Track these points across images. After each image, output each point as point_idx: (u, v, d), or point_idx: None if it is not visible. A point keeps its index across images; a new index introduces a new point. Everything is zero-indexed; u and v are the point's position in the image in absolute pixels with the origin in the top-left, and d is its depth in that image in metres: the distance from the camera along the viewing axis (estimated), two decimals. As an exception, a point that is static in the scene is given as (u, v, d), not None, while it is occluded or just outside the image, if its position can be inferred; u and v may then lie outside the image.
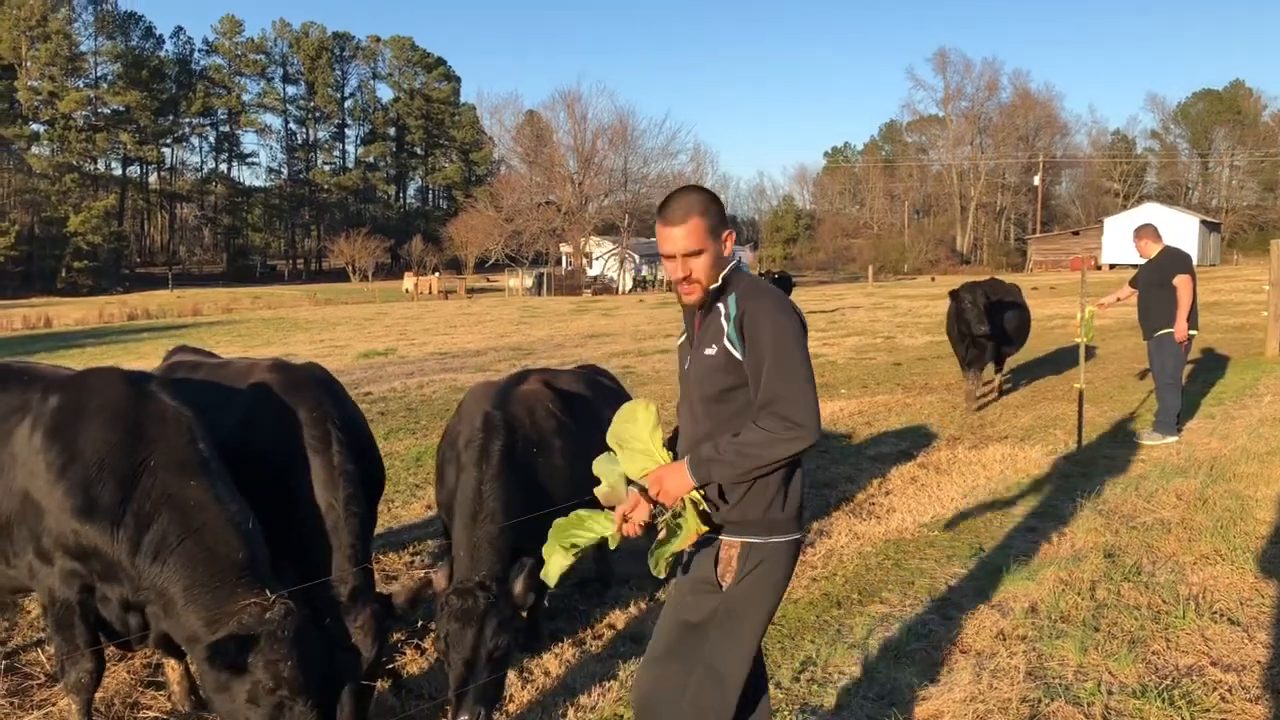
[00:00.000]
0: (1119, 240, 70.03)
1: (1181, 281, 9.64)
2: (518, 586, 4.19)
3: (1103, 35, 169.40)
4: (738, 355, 2.97)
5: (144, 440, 3.93)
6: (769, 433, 2.86)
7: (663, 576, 3.07)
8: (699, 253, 3.04)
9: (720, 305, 3.07)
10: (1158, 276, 9.84)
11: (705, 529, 2.98)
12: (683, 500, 2.97)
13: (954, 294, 12.14)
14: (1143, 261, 10.17)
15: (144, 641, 4.04)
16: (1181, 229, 64.52)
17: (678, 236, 3.04)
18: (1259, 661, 4.62)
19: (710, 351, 3.05)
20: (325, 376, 5.03)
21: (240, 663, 3.51)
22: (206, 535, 3.76)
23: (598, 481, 3.15)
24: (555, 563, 3.09)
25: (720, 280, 3.09)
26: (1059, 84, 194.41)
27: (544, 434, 5.02)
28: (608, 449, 3.14)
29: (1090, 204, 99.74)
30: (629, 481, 3.09)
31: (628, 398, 6.21)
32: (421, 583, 4.23)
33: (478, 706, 3.96)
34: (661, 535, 3.01)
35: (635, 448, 3.07)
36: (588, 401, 5.58)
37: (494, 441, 4.64)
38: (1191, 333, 9.75)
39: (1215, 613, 5.17)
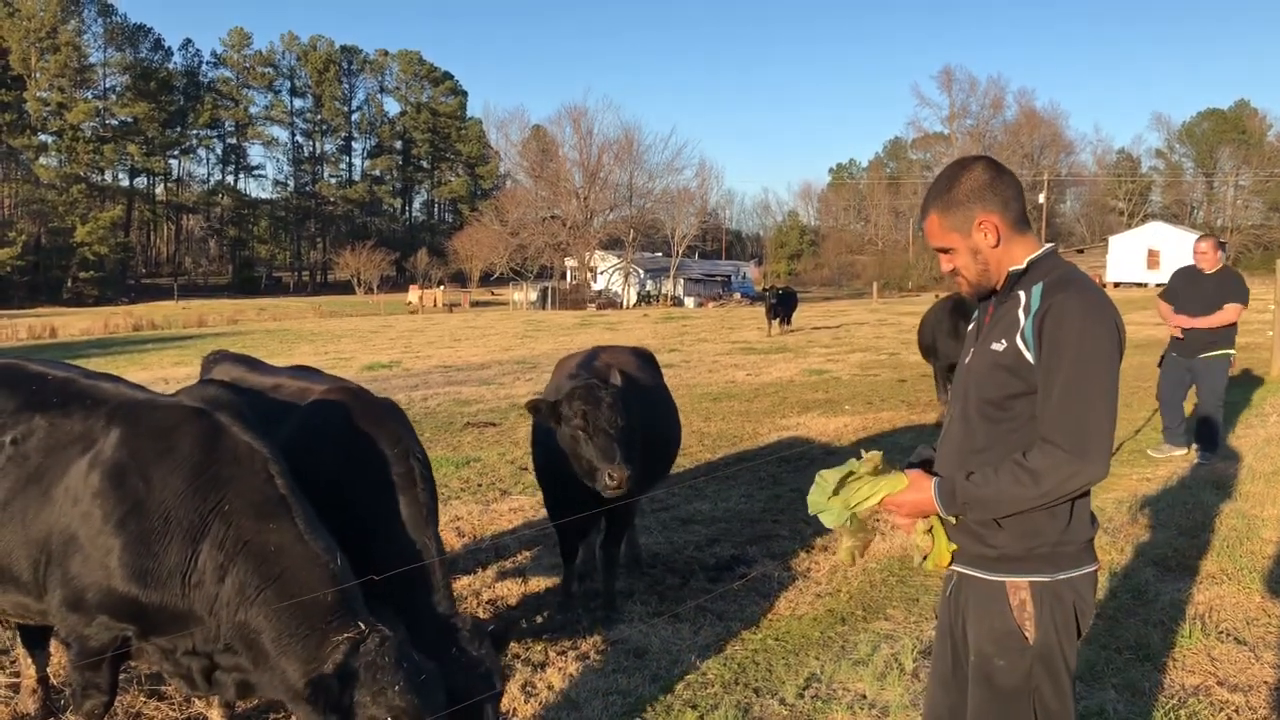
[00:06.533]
0: (1123, 258, 70.09)
1: (1236, 311, 9.14)
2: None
3: (1109, 54, 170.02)
4: (1030, 358, 2.51)
5: (216, 484, 3.60)
6: (1040, 472, 2.44)
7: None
8: (948, 250, 2.71)
9: (1020, 294, 2.60)
10: (1216, 296, 9.18)
11: (954, 548, 2.68)
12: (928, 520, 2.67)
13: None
14: (1179, 270, 9.70)
15: (214, 688, 3.79)
16: (1187, 248, 64.32)
17: (926, 232, 2.76)
18: (1265, 682, 4.60)
19: (998, 347, 2.59)
20: (400, 411, 4.78)
21: (345, 701, 3.23)
22: (289, 581, 3.47)
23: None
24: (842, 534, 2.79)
25: (1025, 264, 2.64)
26: (1064, 102, 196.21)
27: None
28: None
29: (1095, 222, 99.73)
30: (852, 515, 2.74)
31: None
32: (511, 622, 4.22)
33: (629, 463, 5.21)
34: (919, 542, 2.72)
35: (857, 484, 2.72)
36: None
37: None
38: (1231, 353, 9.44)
39: (1222, 632, 5.15)
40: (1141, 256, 69.00)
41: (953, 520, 2.65)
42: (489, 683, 3.68)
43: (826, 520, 2.77)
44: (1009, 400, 2.57)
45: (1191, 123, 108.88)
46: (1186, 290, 9.43)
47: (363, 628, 3.39)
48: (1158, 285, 10.48)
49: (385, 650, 3.31)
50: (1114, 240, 75.33)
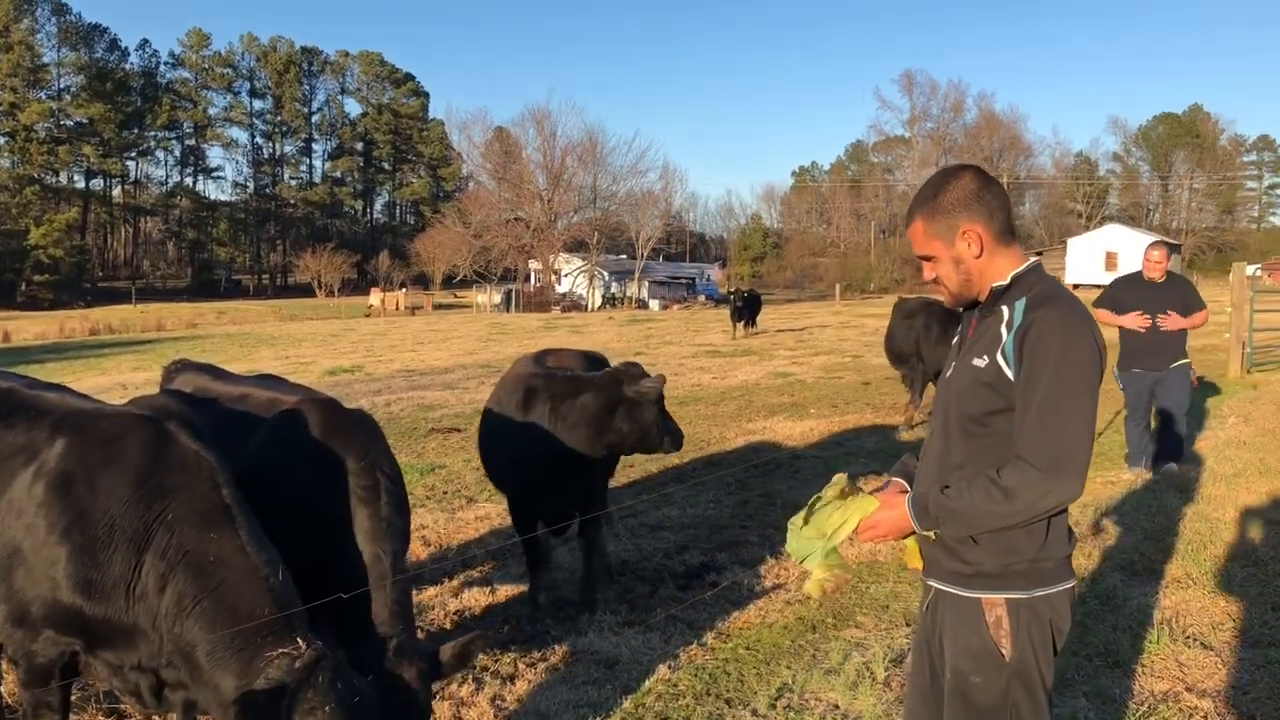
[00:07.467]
0: (1082, 260, 71.06)
1: (1205, 317, 8.85)
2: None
3: (1066, 58, 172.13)
4: (1010, 375, 2.49)
5: (161, 492, 3.51)
6: (1013, 489, 2.42)
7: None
8: (930, 258, 2.68)
9: (1004, 309, 2.58)
10: (1171, 305, 8.69)
11: (919, 566, 2.73)
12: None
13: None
14: (1121, 278, 9.28)
15: (163, 705, 3.71)
16: (1143, 250, 65.43)
17: (910, 238, 2.72)
18: (1233, 687, 4.63)
19: (979, 363, 2.56)
20: (373, 423, 4.66)
21: (270, 718, 3.14)
22: (226, 592, 3.38)
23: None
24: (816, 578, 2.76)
25: (1009, 279, 2.61)
26: (1023, 106, 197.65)
27: None
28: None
29: (1054, 225, 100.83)
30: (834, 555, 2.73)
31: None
32: (471, 637, 3.87)
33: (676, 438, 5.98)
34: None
35: (826, 512, 2.70)
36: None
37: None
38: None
39: (1189, 637, 5.18)
40: (1099, 258, 69.98)
41: (931, 536, 2.63)
42: (407, 715, 3.53)
43: (811, 564, 2.73)
44: (989, 416, 2.54)
45: (1147, 126, 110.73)
46: (1133, 300, 8.81)
47: (300, 643, 3.29)
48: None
49: (319, 668, 3.19)
50: (1072, 242, 76.35)
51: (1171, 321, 8.64)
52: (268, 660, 3.25)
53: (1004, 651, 2.54)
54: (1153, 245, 9.15)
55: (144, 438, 3.64)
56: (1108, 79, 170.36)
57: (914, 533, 2.66)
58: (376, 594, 3.85)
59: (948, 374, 2.74)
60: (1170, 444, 9.12)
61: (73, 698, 4.70)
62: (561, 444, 5.72)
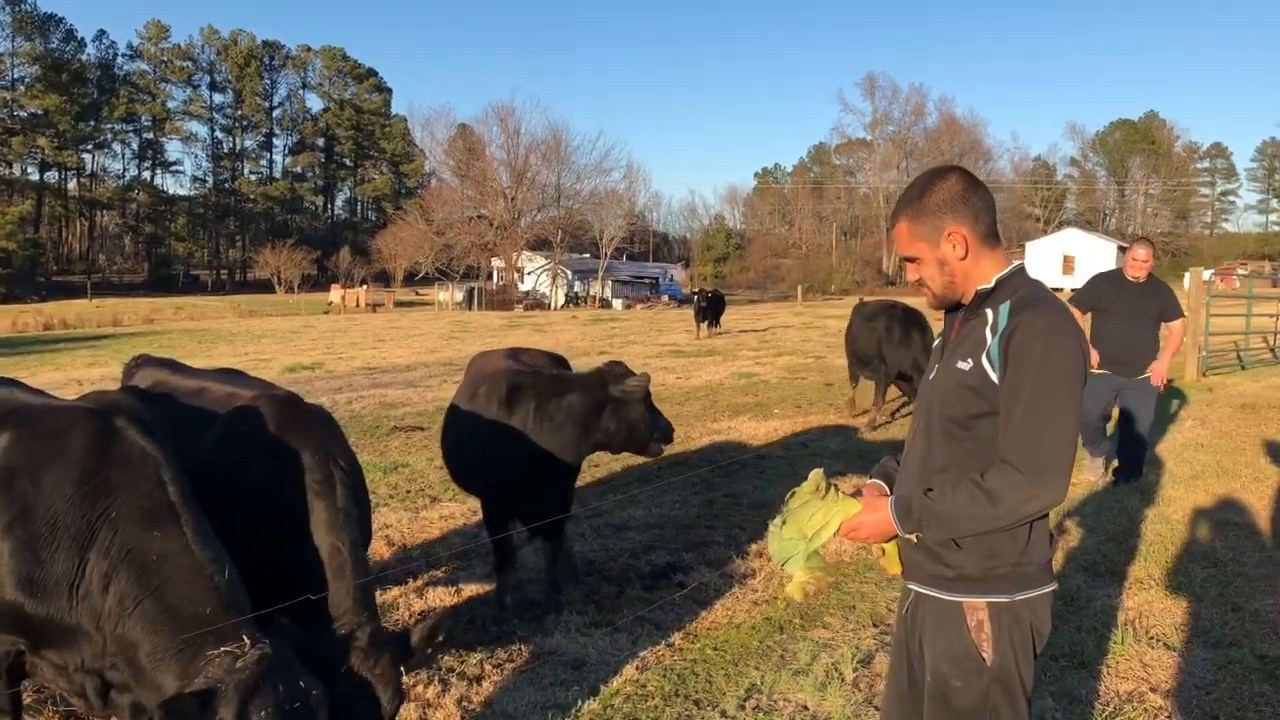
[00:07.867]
0: (1040, 264, 71.84)
1: (1181, 328, 8.65)
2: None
3: (1026, 64, 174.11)
4: (994, 378, 2.47)
5: (106, 489, 3.43)
6: (996, 493, 2.41)
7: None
8: (914, 259, 2.66)
9: (988, 312, 2.56)
10: (1150, 309, 8.42)
11: (899, 572, 2.73)
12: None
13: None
14: (1102, 274, 8.92)
15: (109, 707, 3.59)
16: (1100, 254, 66.47)
17: (895, 239, 2.70)
18: (1196, 687, 4.69)
19: (964, 366, 2.54)
20: (329, 418, 4.60)
21: None
22: (168, 591, 3.29)
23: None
24: (797, 580, 2.75)
25: (994, 283, 2.60)
26: (983, 110, 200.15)
27: None
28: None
29: (1012, 228, 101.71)
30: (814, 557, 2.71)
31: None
32: (436, 619, 3.82)
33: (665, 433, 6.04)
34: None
35: (806, 511, 2.69)
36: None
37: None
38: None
39: (1152, 638, 5.24)
40: (1057, 262, 70.90)
41: (912, 539, 2.61)
42: (375, 706, 3.47)
43: (793, 567, 2.71)
44: (972, 420, 2.52)
45: (1104, 132, 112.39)
46: (1112, 300, 8.48)
47: (245, 642, 3.20)
48: (1073, 290, 9.74)
49: (258, 668, 3.11)
50: (1031, 246, 77.22)
51: (1156, 377, 8.43)
52: (209, 659, 3.17)
53: (985, 655, 2.53)
54: (1139, 243, 8.65)
55: (89, 433, 3.55)
56: (1066, 85, 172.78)
57: (895, 536, 2.65)
58: (337, 584, 3.78)
59: (931, 376, 2.72)
60: (1130, 461, 8.78)
61: (30, 700, 4.62)
62: (546, 445, 5.65)
